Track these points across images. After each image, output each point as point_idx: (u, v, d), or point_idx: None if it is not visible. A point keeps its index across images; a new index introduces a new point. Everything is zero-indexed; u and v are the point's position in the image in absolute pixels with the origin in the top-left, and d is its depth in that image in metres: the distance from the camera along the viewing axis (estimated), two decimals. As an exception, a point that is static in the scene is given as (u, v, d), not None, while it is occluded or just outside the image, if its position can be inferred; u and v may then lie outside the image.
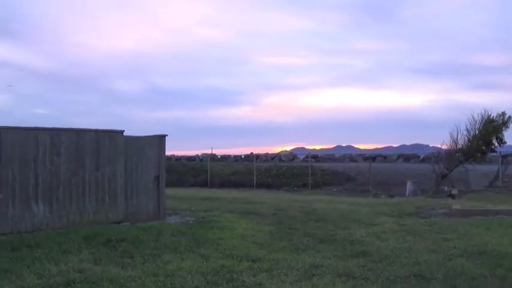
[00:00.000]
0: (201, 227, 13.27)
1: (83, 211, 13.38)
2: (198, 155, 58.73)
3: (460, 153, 30.32)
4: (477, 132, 30.00)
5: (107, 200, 13.89)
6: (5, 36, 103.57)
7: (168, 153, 17.19)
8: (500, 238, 11.69)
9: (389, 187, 31.55)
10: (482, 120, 29.97)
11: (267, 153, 59.64)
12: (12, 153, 12.25)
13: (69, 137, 13.27)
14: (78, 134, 13.49)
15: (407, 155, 53.09)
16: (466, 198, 23.01)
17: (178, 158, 54.93)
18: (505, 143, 30.43)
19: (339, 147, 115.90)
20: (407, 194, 27.73)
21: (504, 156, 32.35)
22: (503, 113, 29.90)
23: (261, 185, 37.28)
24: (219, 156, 57.19)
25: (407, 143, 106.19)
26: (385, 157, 53.19)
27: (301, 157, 54.86)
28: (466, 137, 30.35)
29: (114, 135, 14.21)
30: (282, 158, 55.15)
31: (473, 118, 30.15)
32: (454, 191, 25.77)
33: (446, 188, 27.64)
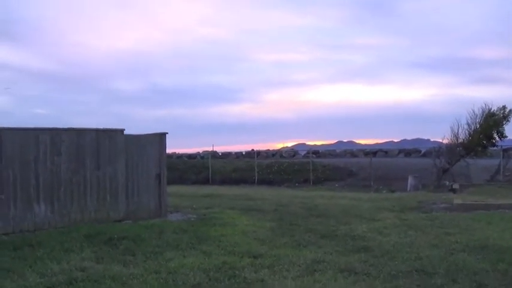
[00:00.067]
0: (202, 224, 13.29)
1: (84, 210, 13.40)
2: (199, 152, 58.55)
3: (461, 148, 30.26)
4: (478, 126, 29.91)
5: (108, 199, 13.91)
6: (4, 38, 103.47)
7: (169, 151, 17.20)
8: (501, 232, 11.69)
9: (391, 182, 31.51)
10: (483, 114, 29.89)
11: (268, 149, 59.44)
12: (13, 154, 12.26)
13: (70, 137, 13.28)
14: (79, 133, 13.50)
15: (409, 150, 52.87)
16: (468, 193, 22.99)
17: (180, 156, 54.75)
18: (506, 137, 30.36)
19: (340, 142, 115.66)
20: (408, 188, 27.71)
21: (505, 150, 32.30)
22: (504, 107, 29.82)
23: (262, 182, 37.25)
24: (220, 154, 57.04)
25: (408, 138, 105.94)
26: (386, 152, 52.95)
27: (302, 153, 54.59)
28: (467, 131, 30.28)
29: (115, 134, 14.21)
30: (283, 154, 54.96)
31: (474, 112, 30.08)
32: (456, 186, 25.76)
33: (447, 183, 27.62)
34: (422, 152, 47.27)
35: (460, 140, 30.40)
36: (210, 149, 59.40)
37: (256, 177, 38.13)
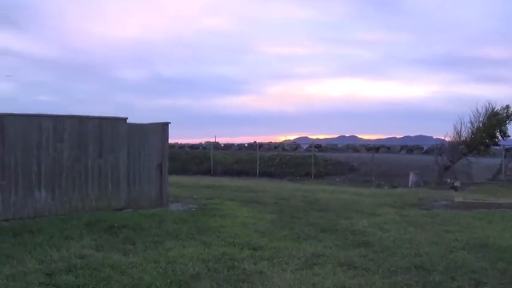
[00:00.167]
0: (203, 215, 13.29)
1: (85, 198, 13.41)
2: (201, 143, 58.62)
3: (463, 146, 30.23)
4: (481, 124, 29.88)
5: (110, 187, 13.91)
6: (7, 23, 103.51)
7: (171, 141, 17.21)
8: (502, 231, 11.68)
9: (392, 178, 31.52)
10: (486, 113, 29.86)
11: (270, 142, 59.50)
12: (15, 140, 12.26)
13: (72, 124, 13.27)
14: (81, 120, 13.49)
15: (411, 146, 52.96)
16: (469, 191, 22.97)
17: (182, 146, 54.84)
18: (509, 136, 30.33)
19: (342, 137, 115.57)
20: (410, 185, 27.72)
21: (507, 150, 32.30)
22: (508, 106, 29.79)
23: (263, 174, 37.29)
24: (223, 145, 57.11)
25: (411, 134, 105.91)
26: (388, 148, 53.00)
27: (305, 146, 54.66)
28: (469, 130, 30.26)
29: (117, 122, 14.20)
30: (285, 147, 55.00)
31: (477, 111, 30.06)
32: (457, 183, 25.73)
33: (449, 180, 27.58)
34: (425, 149, 47.35)
35: (463, 138, 30.38)
36: (212, 140, 59.53)
37: (257, 170, 38.17)
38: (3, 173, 12.09)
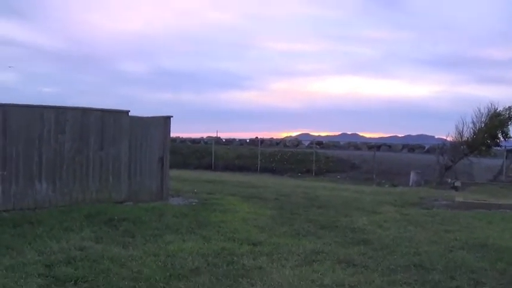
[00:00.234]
0: (203, 209, 13.30)
1: (86, 190, 13.41)
2: (203, 137, 58.68)
3: (465, 146, 30.24)
4: (483, 125, 29.90)
5: (111, 180, 13.91)
6: (11, 14, 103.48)
7: (173, 135, 17.21)
8: (501, 232, 11.67)
9: (393, 176, 31.53)
10: (488, 114, 29.88)
11: (272, 138, 59.54)
12: (17, 131, 12.25)
13: (75, 116, 13.26)
14: (84, 112, 13.48)
15: (412, 145, 52.92)
16: (469, 191, 22.97)
17: (183, 140, 54.85)
18: (510, 137, 30.35)
19: (344, 134, 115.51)
20: (410, 184, 27.71)
21: (509, 151, 32.23)
22: (510, 108, 29.80)
23: (265, 170, 37.31)
24: (224, 140, 57.15)
25: (413, 133, 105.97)
26: (389, 146, 52.98)
27: (306, 143, 54.68)
28: (471, 130, 30.29)
29: (120, 115, 14.20)
30: (287, 144, 54.99)
31: (479, 111, 30.08)
32: (458, 183, 25.74)
33: (449, 180, 27.59)
34: (426, 148, 47.34)
35: (465, 138, 30.41)
36: (214, 134, 59.56)
37: (259, 165, 38.19)
38: (5, 163, 12.09)
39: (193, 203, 14.60)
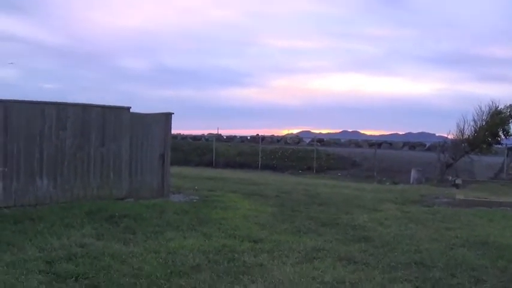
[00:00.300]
0: (204, 206, 13.30)
1: (87, 186, 13.41)
2: (204, 134, 58.66)
3: (466, 144, 30.24)
4: (484, 123, 29.91)
5: (112, 176, 13.91)
6: (13, 9, 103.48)
7: (174, 131, 17.16)
8: (502, 230, 11.67)
9: (394, 174, 31.55)
10: (489, 112, 29.89)
11: (273, 135, 59.52)
12: (18, 127, 12.24)
13: (76, 112, 13.25)
14: (85, 109, 13.47)
15: (413, 143, 52.88)
16: (470, 189, 22.99)
17: (184, 137, 54.79)
18: (511, 135, 30.36)
19: (345, 132, 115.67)
20: (411, 181, 27.71)
21: (510, 149, 32.20)
22: (511, 105, 29.81)
23: (265, 167, 37.32)
24: (225, 137, 57.09)
25: (414, 131, 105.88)
26: (390, 144, 52.93)
27: (307, 140, 54.58)
28: (472, 128, 30.30)
29: (121, 111, 14.19)
30: (288, 141, 54.95)
31: (480, 109, 30.10)
32: (459, 181, 25.77)
33: (450, 178, 27.63)
34: (427, 145, 47.31)
35: (466, 136, 30.42)
36: (215, 131, 59.46)
37: (260, 162, 38.21)
38: (6, 159, 12.08)
39: (194, 200, 14.61)
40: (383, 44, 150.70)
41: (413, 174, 28.31)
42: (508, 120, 29.87)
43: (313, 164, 36.57)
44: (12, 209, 11.66)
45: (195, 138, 55.23)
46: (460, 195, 18.42)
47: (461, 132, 30.56)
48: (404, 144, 53.10)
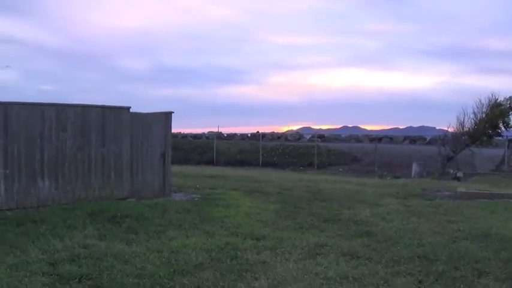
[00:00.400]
0: (206, 205, 13.31)
1: (88, 187, 13.40)
2: (204, 133, 58.65)
3: (466, 136, 30.28)
4: (484, 115, 29.94)
5: (113, 177, 13.90)
6: (11, 11, 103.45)
7: (174, 130, 17.16)
8: (505, 222, 11.66)
9: (395, 168, 31.55)
10: (489, 104, 29.94)
11: (274, 132, 59.51)
12: (18, 129, 12.24)
13: (75, 113, 13.24)
14: (84, 109, 13.46)
15: (414, 137, 52.89)
16: (472, 181, 22.99)
17: (185, 136, 54.75)
18: (511, 127, 30.38)
19: (345, 127, 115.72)
20: (412, 175, 27.71)
21: (510, 140, 32.26)
22: (511, 97, 29.84)
23: (266, 164, 37.31)
24: (226, 135, 57.10)
25: (414, 125, 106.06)
26: (391, 138, 52.97)
27: (308, 137, 54.62)
28: (472, 120, 30.36)
29: (121, 111, 14.19)
30: (288, 138, 54.93)
31: (480, 101, 30.16)
32: (460, 174, 25.77)
33: (451, 171, 27.63)
34: (428, 139, 47.32)
35: (466, 129, 30.47)
36: (215, 129, 59.50)
37: (260, 160, 38.21)
38: (6, 162, 12.08)
39: (196, 199, 14.60)
40: (383, 39, 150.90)
41: (415, 168, 28.30)
42: (508, 112, 29.90)
43: (314, 160, 36.57)
44: (15, 211, 11.65)
45: (196, 136, 55.19)
46: (461, 188, 18.41)
47: (462, 125, 30.63)
48: (405, 138, 53.12)
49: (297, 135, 57.21)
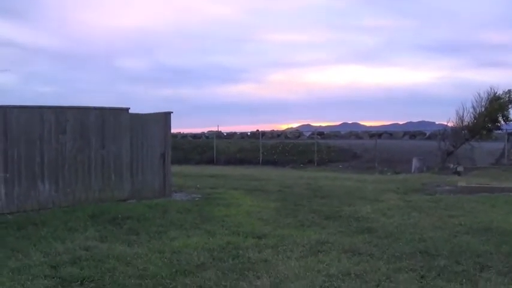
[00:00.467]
0: (206, 204, 13.31)
1: (88, 189, 13.41)
2: (204, 132, 58.67)
3: (466, 131, 30.25)
4: (483, 109, 29.92)
5: (113, 178, 13.90)
6: (9, 14, 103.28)
7: (173, 130, 17.17)
8: (505, 215, 11.67)
9: (395, 164, 31.54)
10: (488, 98, 29.90)
11: (273, 130, 59.61)
12: (18, 132, 12.24)
13: (75, 115, 13.24)
14: (84, 112, 13.46)
15: (414, 132, 52.93)
16: (472, 176, 22.98)
17: (184, 136, 54.79)
18: (511, 120, 30.36)
19: (344, 124, 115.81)
20: (413, 170, 27.70)
21: (510, 134, 32.21)
22: (510, 91, 29.83)
23: (266, 162, 37.30)
24: (225, 134, 57.13)
25: (414, 120, 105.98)
26: (391, 134, 53.01)
27: (307, 134, 54.62)
28: (472, 115, 30.32)
29: (120, 112, 14.18)
30: (288, 135, 55.02)
31: (479, 95, 30.12)
32: (460, 168, 25.76)
33: (452, 165, 27.62)
34: (427, 134, 47.36)
35: (465, 123, 30.44)
36: (215, 129, 59.53)
37: (260, 158, 38.21)
38: (6, 165, 12.08)
39: (197, 198, 14.61)
40: (382, 34, 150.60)
41: (415, 163, 28.30)
42: (507, 106, 29.87)
43: (314, 157, 36.56)
44: (15, 215, 11.65)
45: (195, 136, 55.21)
46: (461, 182, 18.42)
47: (461, 119, 30.59)
48: (405, 133, 53.19)
49: (297, 133, 57.26)
